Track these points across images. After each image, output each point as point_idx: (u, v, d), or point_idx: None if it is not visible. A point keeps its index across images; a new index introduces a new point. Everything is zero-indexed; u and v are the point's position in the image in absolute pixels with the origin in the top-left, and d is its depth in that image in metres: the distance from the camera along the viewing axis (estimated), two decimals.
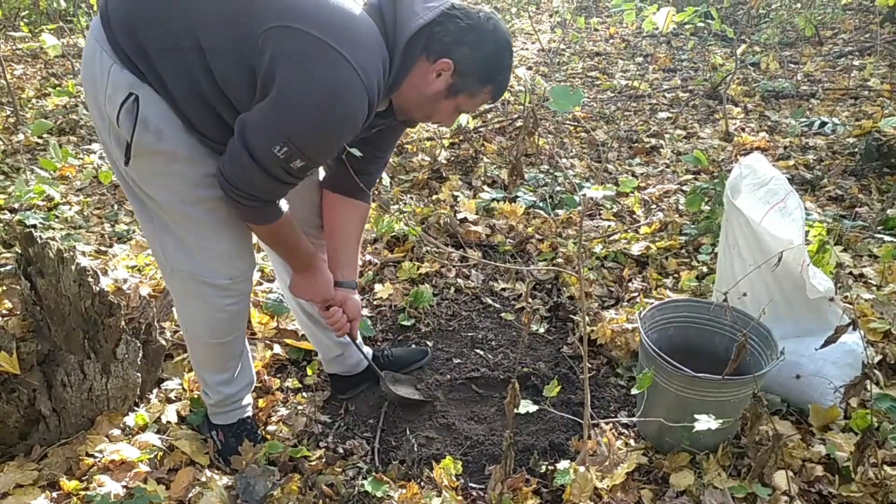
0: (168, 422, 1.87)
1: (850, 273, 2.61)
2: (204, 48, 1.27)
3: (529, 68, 6.03)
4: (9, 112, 4.45)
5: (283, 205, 1.46)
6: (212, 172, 1.40)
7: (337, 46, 1.24)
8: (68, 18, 7.18)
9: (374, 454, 1.84)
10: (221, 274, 1.54)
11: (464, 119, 4.00)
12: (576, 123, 4.58)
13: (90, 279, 1.79)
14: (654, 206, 3.35)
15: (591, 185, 2.96)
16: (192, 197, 1.43)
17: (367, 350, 2.05)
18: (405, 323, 2.44)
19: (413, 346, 2.33)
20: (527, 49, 6.99)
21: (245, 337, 1.76)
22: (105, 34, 1.32)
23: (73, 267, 1.75)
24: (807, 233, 2.12)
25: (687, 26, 6.18)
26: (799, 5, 6.93)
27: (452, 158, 3.90)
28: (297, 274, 1.69)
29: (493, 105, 4.78)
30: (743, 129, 4.35)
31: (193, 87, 1.31)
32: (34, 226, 2.65)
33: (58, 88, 4.96)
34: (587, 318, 2.35)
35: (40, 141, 3.96)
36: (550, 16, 8.96)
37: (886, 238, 2.77)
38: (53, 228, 2.82)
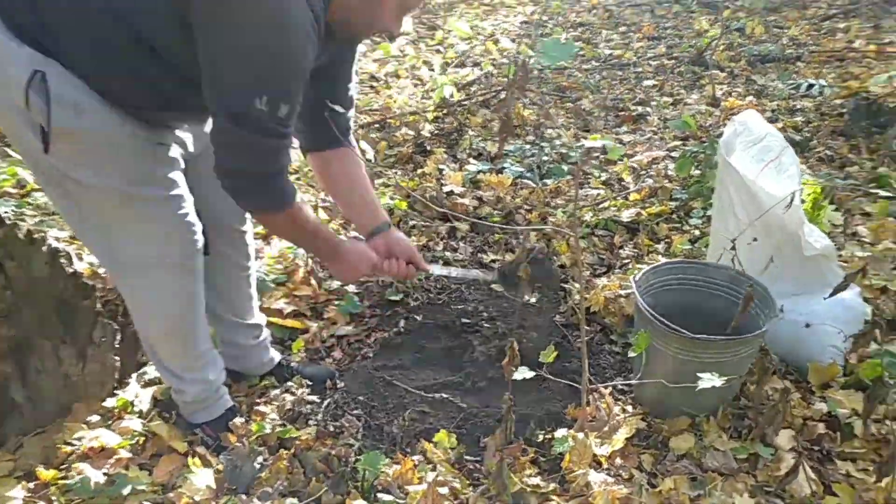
0: (148, 409, 1.80)
1: (843, 232, 2.57)
2: (125, 15, 1.19)
3: (513, 41, 5.93)
4: None
5: (292, 185, 1.38)
6: (144, 145, 1.32)
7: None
8: None
9: (366, 430, 1.79)
10: (175, 253, 1.44)
11: (447, 92, 3.92)
12: (561, 94, 4.50)
13: (62, 261, 1.71)
14: (643, 172, 3.29)
15: (586, 139, 2.88)
16: (131, 173, 1.33)
17: (437, 268, 1.91)
18: (393, 298, 2.37)
19: (323, 363, 2.12)
20: (508, 21, 6.89)
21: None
22: None
23: (43, 248, 1.67)
24: (801, 190, 2.07)
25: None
26: None
27: (437, 132, 3.82)
28: (330, 262, 1.60)
29: (476, 78, 4.70)
30: (730, 94, 4.29)
31: (107, 50, 1.21)
32: (5, 214, 2.56)
33: None
34: (578, 287, 2.30)
35: None
36: None
37: (882, 193, 2.74)
38: (26, 216, 2.73)
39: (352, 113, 1.66)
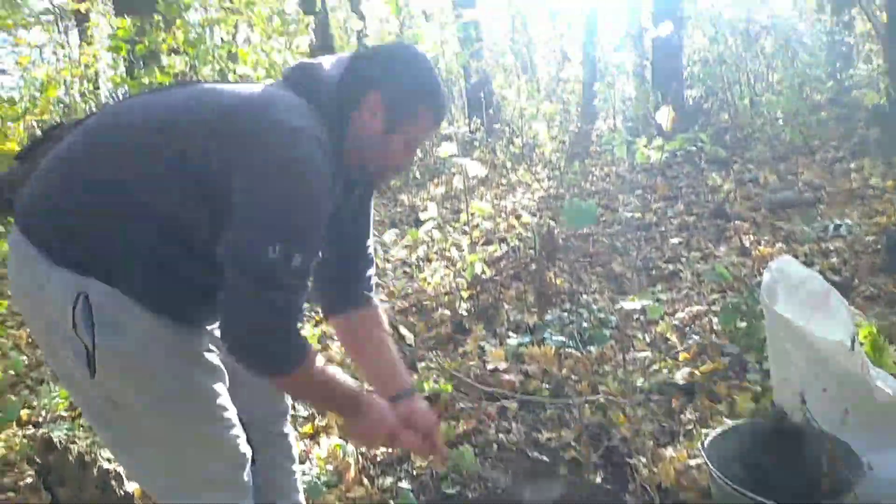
0: None
1: None
2: (146, 204, 1.23)
3: (533, 215, 6.17)
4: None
5: (306, 339, 1.32)
6: (186, 354, 1.30)
7: (273, 116, 1.22)
8: None
9: None
10: (224, 469, 1.37)
11: (478, 269, 4.01)
12: (589, 259, 4.58)
13: (113, 482, 1.68)
14: (687, 329, 3.24)
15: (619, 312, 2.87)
16: (175, 389, 1.30)
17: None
18: (449, 491, 2.26)
19: None
20: (527, 198, 7.21)
21: None
22: (30, 241, 1.24)
23: (94, 470, 1.65)
24: (856, 333, 2.00)
25: (679, 153, 6.38)
26: (781, 122, 7.20)
27: (473, 309, 3.86)
28: (353, 418, 1.45)
29: (504, 253, 4.83)
30: (758, 243, 4.33)
31: (140, 251, 1.24)
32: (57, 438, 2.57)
33: None
34: (645, 460, 2.17)
35: None
36: (544, 166, 9.34)
37: None
38: (78, 437, 2.73)
39: (372, 270, 1.65)
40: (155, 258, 1.25)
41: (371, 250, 1.64)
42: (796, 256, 3.97)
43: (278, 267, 1.17)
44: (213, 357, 1.40)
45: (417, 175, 8.29)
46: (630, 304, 3.00)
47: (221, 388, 1.40)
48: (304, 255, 1.21)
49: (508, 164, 8.93)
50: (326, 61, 1.41)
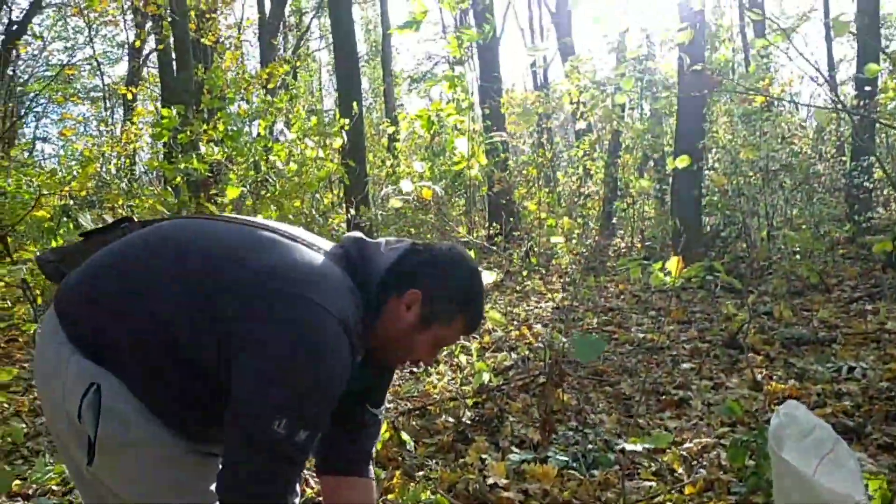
0: None
1: None
2: (169, 329, 1.26)
3: (545, 325, 6.18)
4: (34, 395, 4.50)
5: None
6: (189, 458, 1.31)
7: (306, 294, 1.24)
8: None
9: None
10: None
11: (485, 377, 3.99)
12: (599, 377, 4.54)
13: None
14: (694, 462, 3.17)
15: (625, 439, 2.84)
16: (176, 489, 1.31)
17: None
18: None
19: None
20: (540, 308, 7.24)
21: None
22: (61, 323, 1.30)
23: None
24: (866, 486, 1.96)
25: (694, 280, 6.43)
26: (798, 256, 7.27)
27: (477, 418, 3.81)
28: None
29: (513, 363, 4.81)
30: (770, 378, 4.28)
31: (157, 370, 1.28)
32: None
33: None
34: None
35: None
36: (560, 276, 9.42)
37: None
38: None
39: (376, 441, 1.64)
40: (166, 372, 1.29)
41: (380, 420, 1.63)
42: (809, 396, 3.91)
43: (282, 442, 1.19)
44: (216, 462, 1.41)
45: None
46: (632, 445, 2.95)
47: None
48: (309, 432, 1.23)
49: (524, 273, 9.02)
50: (384, 244, 1.45)
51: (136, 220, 1.50)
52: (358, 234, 1.48)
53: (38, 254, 1.54)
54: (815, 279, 6.31)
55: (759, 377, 4.27)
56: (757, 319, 5.72)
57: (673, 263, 3.54)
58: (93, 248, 1.42)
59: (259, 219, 1.51)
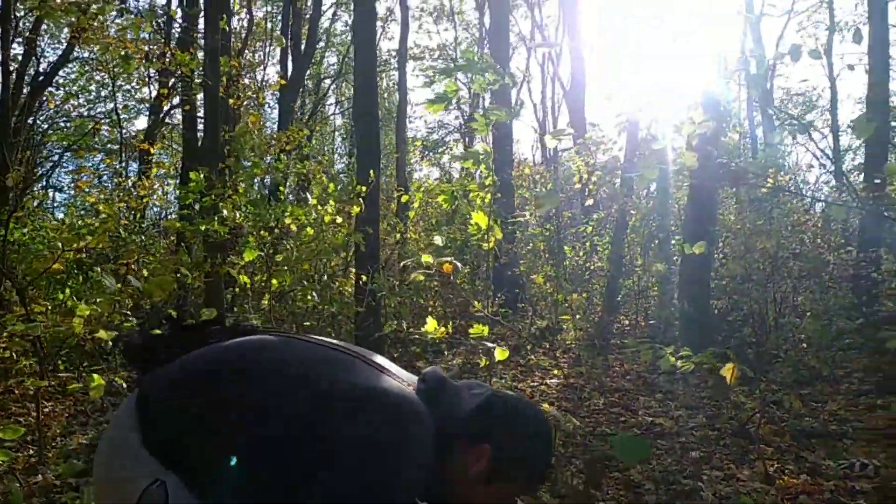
0: None
1: None
2: (248, 444, 1.30)
3: (551, 403, 6.10)
4: (32, 451, 4.40)
5: None
6: None
7: (391, 436, 1.28)
8: (105, 357, 7.34)
9: None
10: None
11: None
12: (608, 462, 4.46)
13: None
14: None
15: None
16: None
17: None
18: None
19: None
20: (545, 384, 7.15)
21: None
22: (139, 416, 1.34)
23: None
24: None
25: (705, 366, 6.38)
26: (806, 345, 7.24)
27: None
28: None
29: None
30: (782, 471, 4.21)
31: (222, 477, 1.30)
32: None
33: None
34: None
35: (58, 483, 3.85)
36: (564, 352, 9.34)
37: None
38: None
39: None
40: (225, 479, 1.30)
41: None
42: (822, 492, 3.84)
43: None
44: None
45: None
46: None
47: None
48: None
49: (528, 346, 8.98)
50: (466, 389, 1.49)
51: (236, 328, 1.55)
52: (440, 372, 1.50)
53: (122, 334, 1.56)
54: (825, 370, 6.27)
55: (770, 470, 4.20)
56: (766, 408, 5.65)
57: (728, 370, 3.56)
58: (181, 343, 1.46)
59: (345, 343, 1.53)
